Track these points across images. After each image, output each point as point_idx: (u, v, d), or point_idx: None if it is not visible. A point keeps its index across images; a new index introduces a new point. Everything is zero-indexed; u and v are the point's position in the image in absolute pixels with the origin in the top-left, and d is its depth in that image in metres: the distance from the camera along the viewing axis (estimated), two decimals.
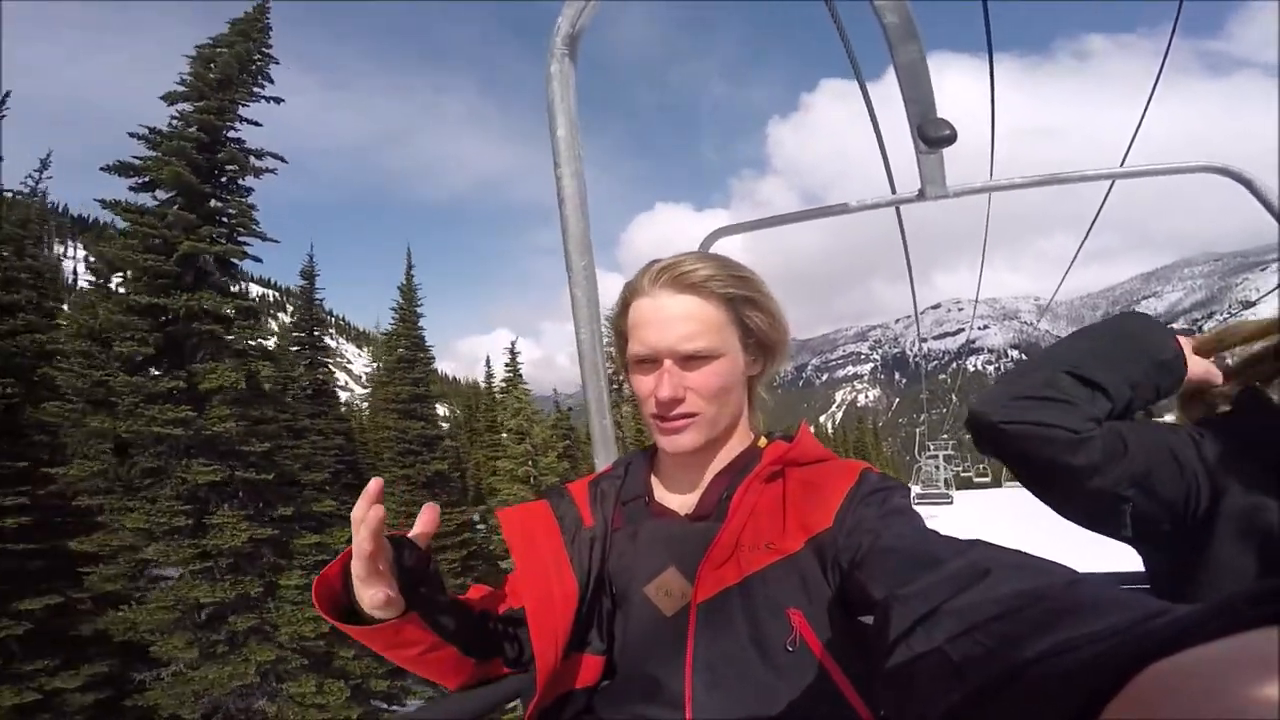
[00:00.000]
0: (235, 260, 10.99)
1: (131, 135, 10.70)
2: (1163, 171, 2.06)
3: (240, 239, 11.09)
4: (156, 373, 10.02)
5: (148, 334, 9.82)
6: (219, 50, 11.32)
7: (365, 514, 0.70)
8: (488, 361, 29.70)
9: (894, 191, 2.15)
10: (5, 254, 10.74)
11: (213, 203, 10.94)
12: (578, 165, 1.19)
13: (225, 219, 11.05)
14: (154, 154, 10.48)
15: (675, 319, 0.83)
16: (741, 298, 0.85)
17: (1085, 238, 5.23)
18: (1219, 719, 0.21)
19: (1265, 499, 0.84)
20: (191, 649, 9.25)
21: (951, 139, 1.32)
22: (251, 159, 11.36)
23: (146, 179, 10.49)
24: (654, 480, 0.96)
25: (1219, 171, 1.92)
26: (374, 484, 0.72)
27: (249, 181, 11.50)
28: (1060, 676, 0.32)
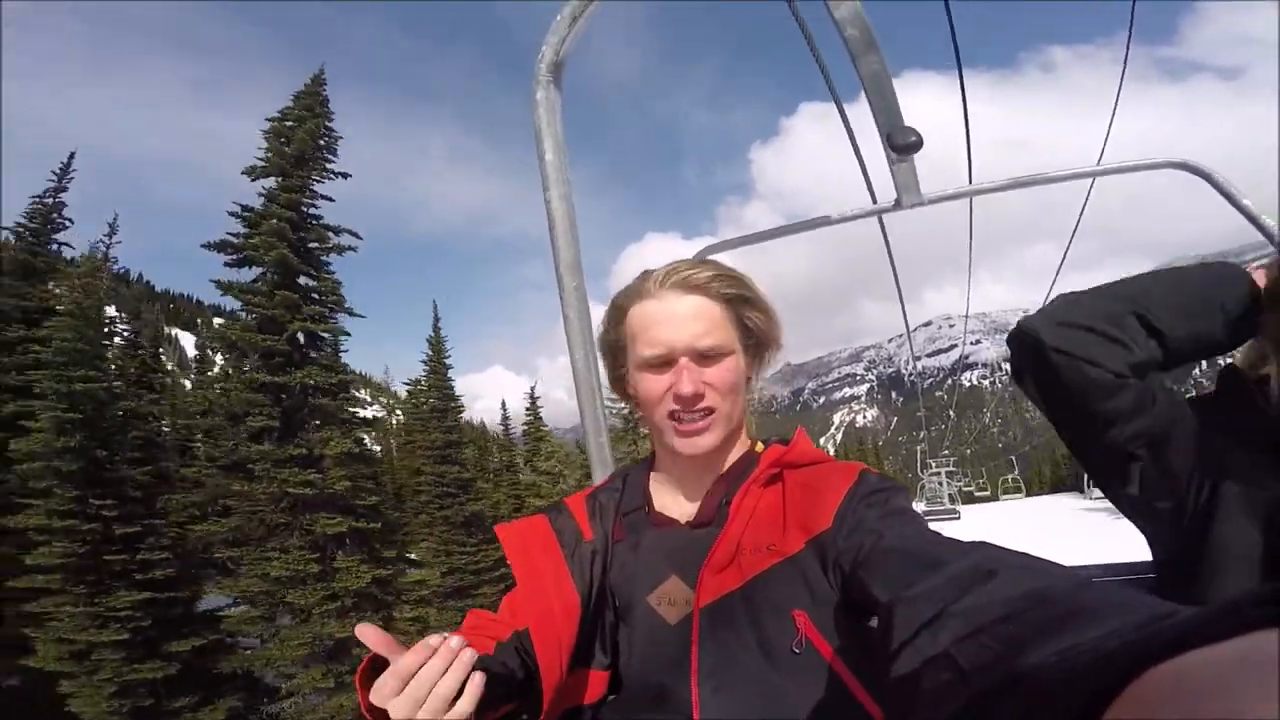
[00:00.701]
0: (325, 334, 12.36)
1: (231, 215, 11.92)
2: (1126, 169, 2.10)
3: (331, 315, 12.58)
4: (259, 445, 11.53)
5: (271, 408, 11.51)
6: (288, 123, 12.72)
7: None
8: (504, 405, 30.40)
9: (875, 203, 2.21)
10: (128, 334, 12.64)
11: (302, 279, 12.33)
12: (566, 188, 1.22)
13: (317, 295, 12.47)
14: (249, 231, 11.91)
15: (687, 318, 0.85)
16: (740, 298, 0.89)
17: (1069, 244, 5.43)
18: None
19: (1266, 473, 0.84)
20: (328, 679, 10.77)
21: (918, 145, 1.35)
22: (331, 235, 12.60)
23: (242, 256, 11.85)
24: (652, 491, 0.96)
25: (1179, 167, 1.95)
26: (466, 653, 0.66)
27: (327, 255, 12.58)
28: (1063, 679, 0.32)
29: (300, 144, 12.49)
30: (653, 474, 0.98)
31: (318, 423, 12.12)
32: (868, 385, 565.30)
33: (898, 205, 1.96)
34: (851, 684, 0.72)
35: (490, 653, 0.81)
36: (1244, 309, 0.90)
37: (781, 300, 0.94)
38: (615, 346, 0.94)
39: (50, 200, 14.58)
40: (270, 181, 12.21)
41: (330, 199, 12.92)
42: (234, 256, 11.99)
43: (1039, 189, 2.17)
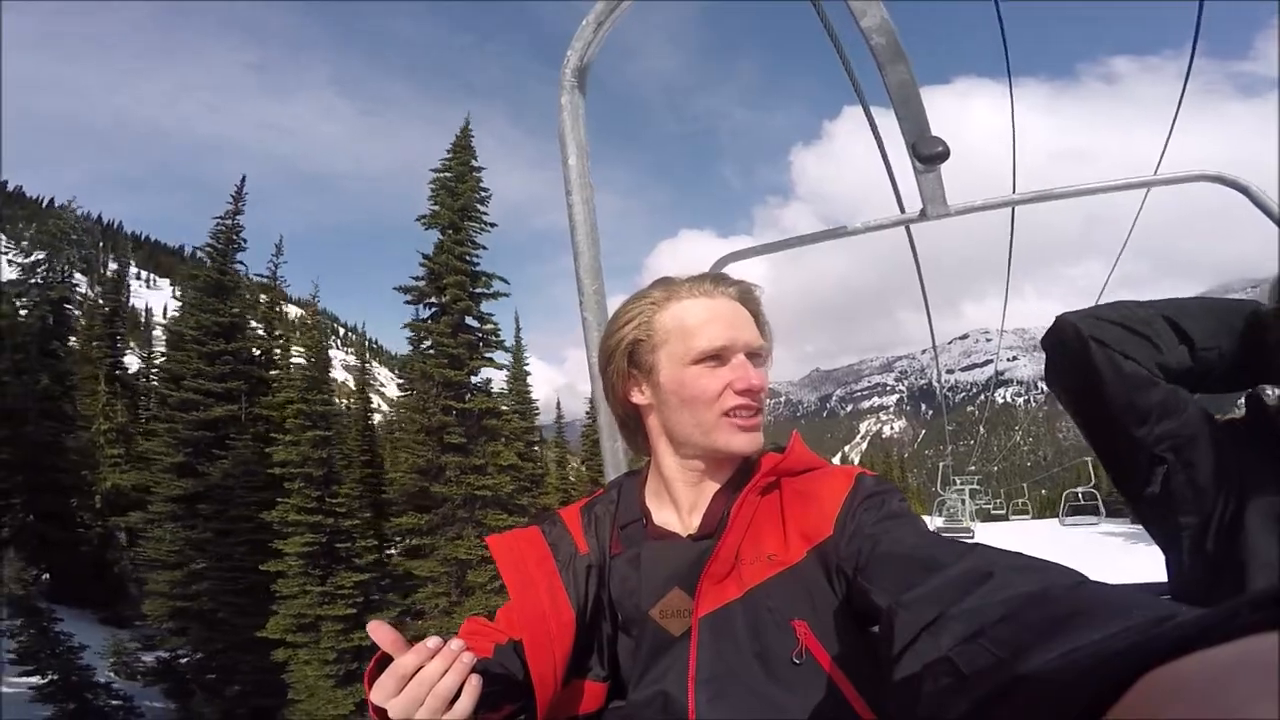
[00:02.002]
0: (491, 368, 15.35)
1: (421, 263, 14.39)
2: (1161, 182, 2.04)
3: (488, 353, 15.21)
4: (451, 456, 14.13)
5: (458, 427, 14.13)
6: (446, 174, 14.95)
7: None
8: (558, 405, 30.96)
9: (902, 212, 2.15)
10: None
11: (468, 319, 14.78)
12: (589, 193, 1.23)
13: (479, 333, 14.96)
14: (431, 279, 14.32)
15: (743, 317, 0.89)
16: (760, 313, 0.93)
17: (1118, 259, 5.36)
18: None
19: None
20: None
21: (944, 156, 1.33)
22: (493, 282, 15.09)
23: (420, 298, 14.53)
24: (649, 503, 0.94)
25: (1216, 180, 1.90)
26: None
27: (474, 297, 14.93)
28: (1064, 682, 0.33)
29: (465, 199, 14.80)
30: (648, 486, 0.96)
31: (486, 438, 14.63)
32: (897, 396, 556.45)
33: (923, 216, 1.93)
34: (851, 694, 0.72)
35: (489, 655, 0.83)
36: (1272, 331, 0.92)
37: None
38: (634, 348, 0.90)
39: (230, 222, 16.61)
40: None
41: (485, 247, 15.10)
42: (412, 297, 14.60)
43: (1091, 203, 2.09)
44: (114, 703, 13.22)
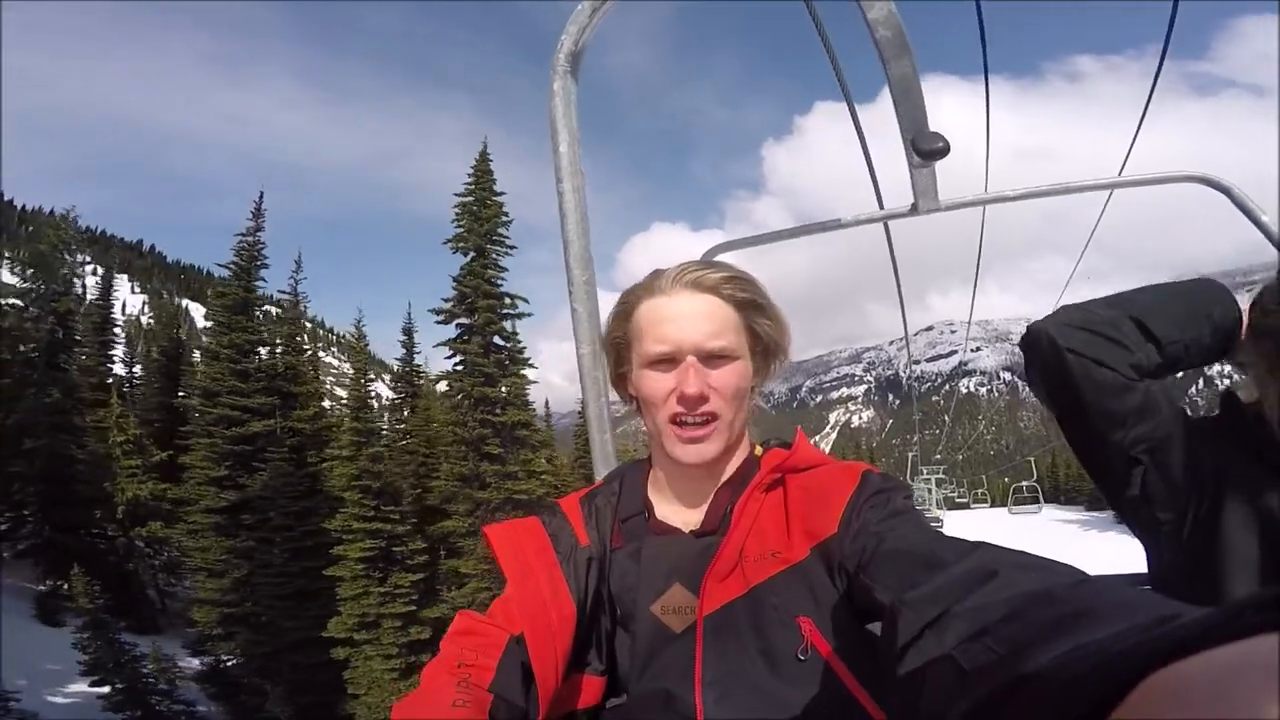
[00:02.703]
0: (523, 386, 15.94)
1: (454, 287, 14.97)
2: (1146, 182, 2.10)
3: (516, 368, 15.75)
4: (490, 465, 14.98)
5: (495, 438, 14.96)
6: (468, 199, 15.42)
7: None
8: (547, 404, 30.32)
9: (882, 207, 2.19)
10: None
11: (495, 339, 15.43)
12: (579, 180, 1.23)
13: (505, 353, 15.56)
14: (464, 302, 15.05)
15: (698, 316, 0.85)
16: (752, 304, 0.89)
17: (1082, 255, 5.70)
18: None
19: (1265, 488, 0.92)
20: None
21: (945, 151, 1.35)
22: (516, 303, 15.60)
23: (450, 318, 15.31)
24: (652, 496, 0.95)
25: (1199, 181, 1.96)
26: None
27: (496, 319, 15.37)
28: (1067, 683, 0.33)
29: (490, 224, 15.43)
30: (651, 478, 0.97)
31: (518, 447, 15.34)
32: (865, 386, 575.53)
33: (914, 210, 1.94)
34: (856, 690, 0.73)
35: (493, 671, 0.78)
36: (1229, 324, 0.99)
37: (784, 298, 0.95)
38: (620, 343, 0.93)
39: (251, 239, 16.83)
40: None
41: (505, 269, 15.51)
42: (443, 317, 15.34)
43: (1050, 201, 2.14)
44: (176, 707, 13.67)
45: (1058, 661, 0.36)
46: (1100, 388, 0.96)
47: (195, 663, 15.49)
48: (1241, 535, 0.93)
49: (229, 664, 15.02)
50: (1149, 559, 1.09)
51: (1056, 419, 1.09)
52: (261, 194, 17.47)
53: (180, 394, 23.06)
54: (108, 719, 12.85)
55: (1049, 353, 1.00)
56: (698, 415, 0.85)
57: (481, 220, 15.63)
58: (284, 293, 17.94)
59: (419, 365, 18.91)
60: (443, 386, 16.16)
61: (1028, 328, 1.08)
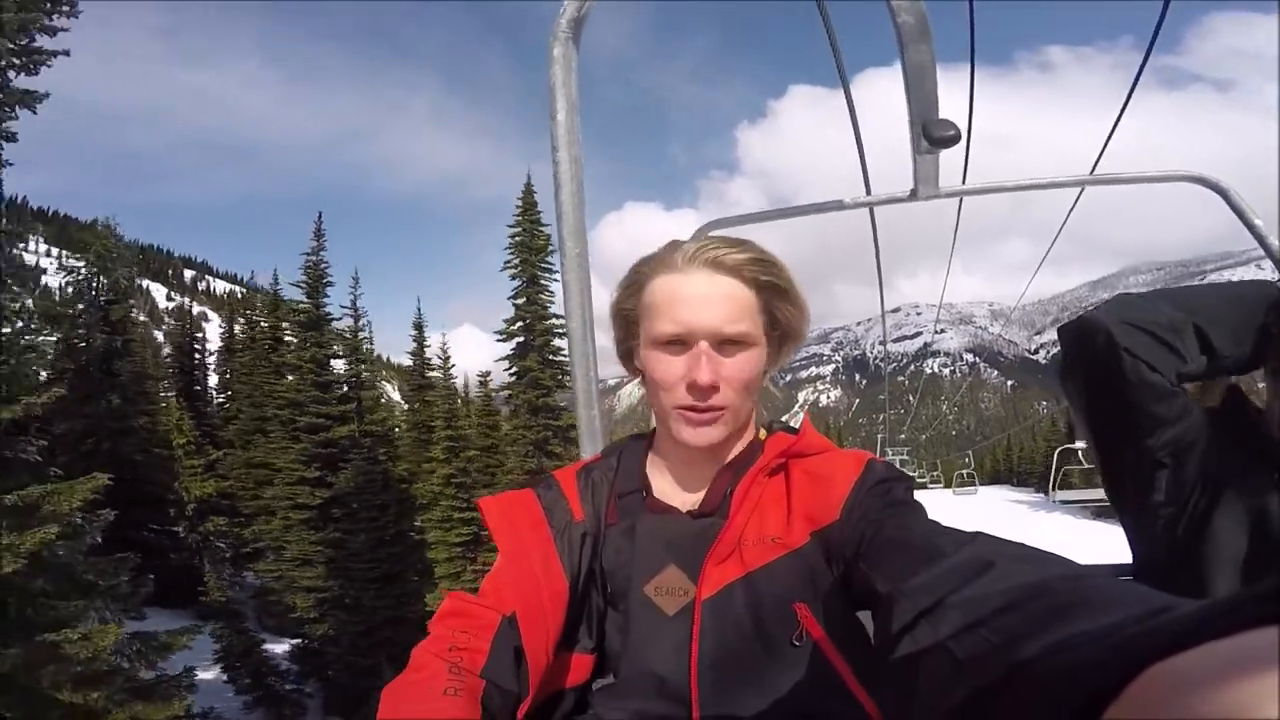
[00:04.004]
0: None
1: (515, 309, 16.81)
2: (1143, 179, 2.12)
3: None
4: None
5: (557, 440, 16.57)
6: (518, 230, 17.14)
7: None
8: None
9: (869, 192, 2.20)
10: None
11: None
12: (576, 150, 1.21)
13: (559, 368, 17.11)
14: (516, 318, 17.06)
15: (716, 299, 0.82)
16: (774, 287, 0.86)
17: (1051, 245, 5.82)
18: (1221, 719, 0.21)
19: (1260, 486, 0.93)
20: None
21: (956, 139, 1.35)
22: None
23: (509, 337, 17.22)
24: (650, 474, 0.94)
25: (1195, 180, 1.98)
26: None
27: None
28: (1062, 675, 0.33)
29: (541, 254, 17.04)
30: (651, 455, 0.96)
31: (573, 446, 16.77)
32: (833, 366, 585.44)
33: (913, 196, 1.95)
34: (849, 677, 0.74)
35: (485, 653, 0.75)
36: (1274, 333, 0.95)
37: None
38: (628, 317, 0.90)
39: (315, 258, 18.22)
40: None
41: (553, 295, 17.08)
42: (503, 336, 17.37)
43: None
44: (287, 688, 15.35)
45: (1052, 651, 0.36)
46: (1149, 390, 0.94)
47: (282, 647, 16.88)
48: (1232, 532, 0.93)
49: (317, 645, 16.32)
50: (1134, 550, 1.10)
51: (1082, 414, 1.08)
52: (320, 215, 18.79)
53: (196, 388, 24.88)
54: (239, 701, 14.61)
55: (1104, 348, 0.96)
56: (706, 406, 0.82)
57: (533, 250, 17.32)
58: (345, 308, 19.49)
59: (482, 377, 21.04)
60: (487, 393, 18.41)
61: (1081, 318, 1.04)
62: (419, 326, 20.39)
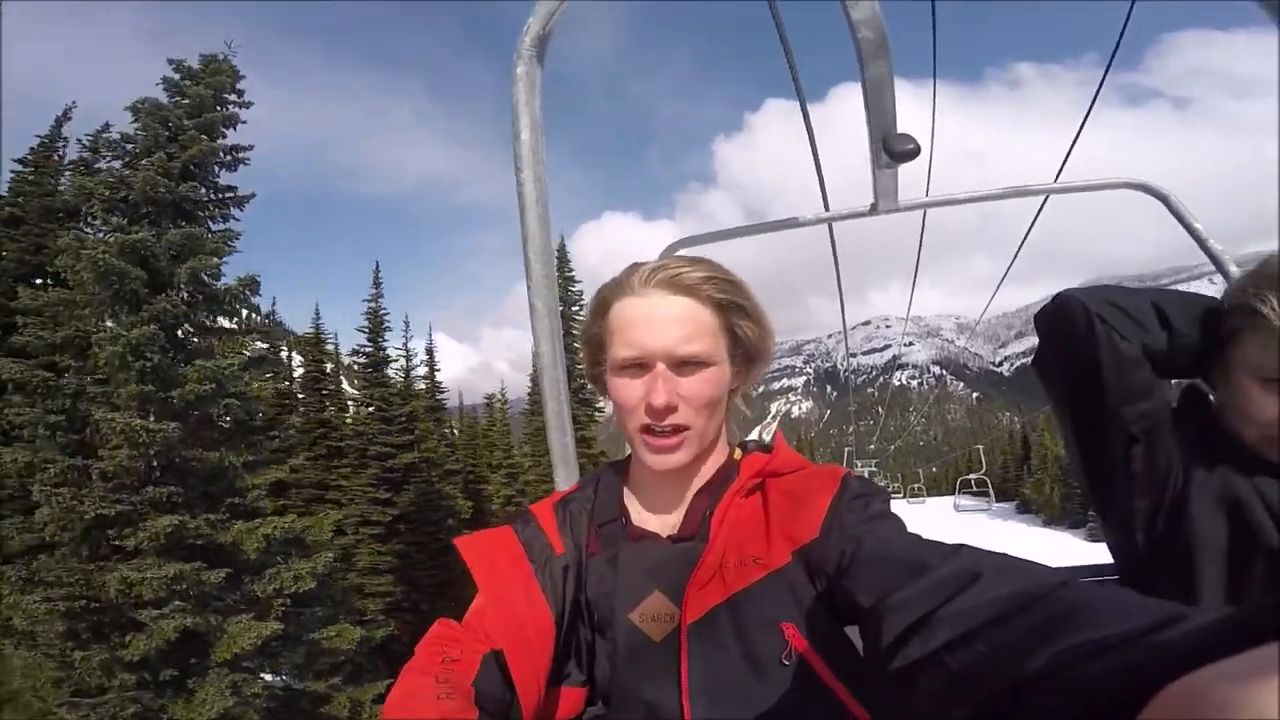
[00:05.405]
0: None
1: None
2: (1087, 188, 2.24)
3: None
4: None
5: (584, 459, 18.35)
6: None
7: None
8: (503, 393, 28.25)
9: (827, 208, 2.23)
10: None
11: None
12: (540, 170, 1.20)
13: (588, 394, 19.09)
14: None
15: (670, 320, 0.82)
16: (734, 305, 0.86)
17: (1013, 260, 6.03)
18: None
19: (1232, 475, 0.99)
20: None
21: (916, 153, 1.38)
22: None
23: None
24: (628, 500, 0.94)
25: (1138, 188, 2.07)
26: None
27: None
28: (1074, 692, 0.33)
29: (572, 307, 18.91)
30: (628, 481, 0.96)
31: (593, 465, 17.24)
32: (805, 378, 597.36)
33: (873, 211, 1.98)
34: (842, 693, 0.74)
35: (476, 667, 0.77)
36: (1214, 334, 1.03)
37: None
38: (596, 341, 0.90)
39: (374, 304, 19.63)
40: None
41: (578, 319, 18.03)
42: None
43: (984, 202, 2.26)
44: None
45: (1058, 665, 0.36)
46: (1122, 359, 1.01)
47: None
48: (1210, 521, 0.98)
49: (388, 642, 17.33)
50: (1116, 551, 1.16)
51: (1059, 393, 1.14)
52: (377, 264, 20.13)
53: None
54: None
55: (1081, 319, 1.03)
56: (666, 425, 0.82)
57: (566, 304, 18.45)
58: (398, 349, 20.68)
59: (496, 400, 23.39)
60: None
61: (1057, 296, 1.11)
62: (430, 352, 22.13)
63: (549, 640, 0.81)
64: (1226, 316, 1.02)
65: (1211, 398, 1.10)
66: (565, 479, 1.26)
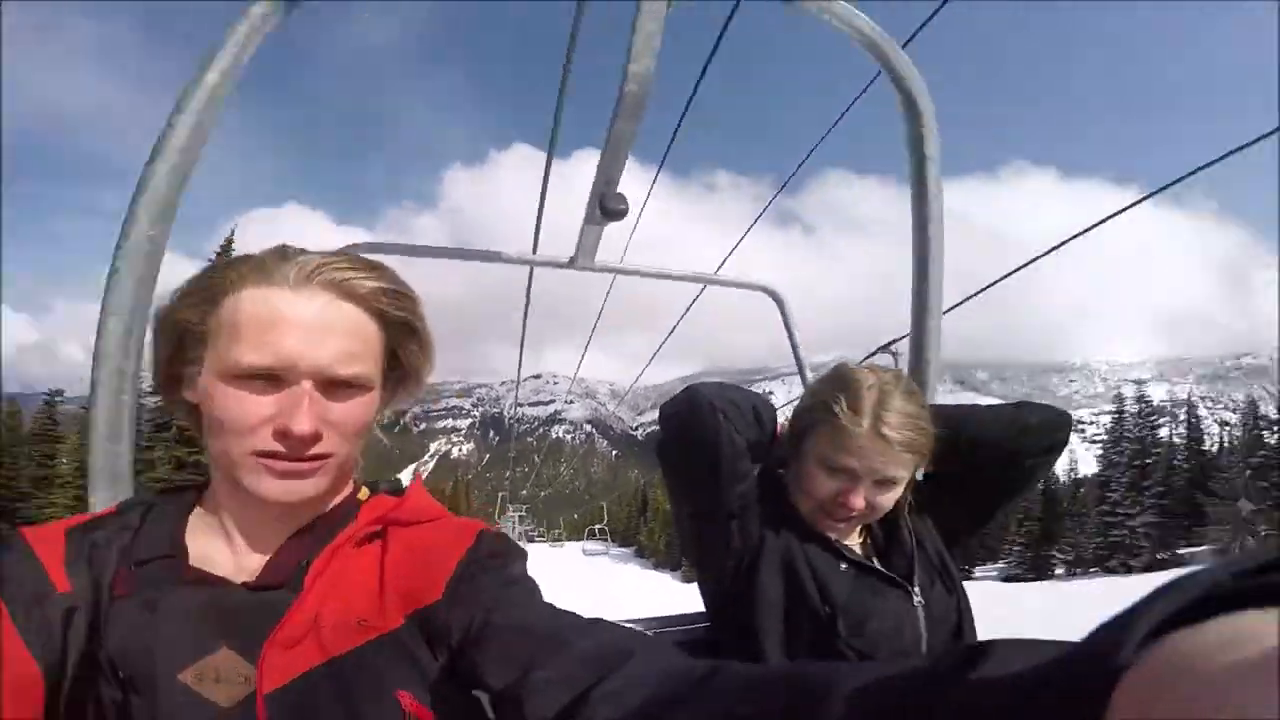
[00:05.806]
0: None
1: None
2: (736, 284, 2.48)
3: None
4: None
5: None
6: None
7: None
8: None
9: (535, 251, 2.33)
10: None
11: None
12: (209, 118, 1.06)
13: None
14: None
15: (330, 331, 0.69)
16: (404, 324, 0.76)
17: (667, 337, 7.41)
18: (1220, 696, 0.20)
19: (792, 541, 1.22)
20: None
21: (624, 214, 1.52)
22: None
23: None
24: (191, 535, 0.76)
25: (768, 292, 2.37)
26: None
27: None
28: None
29: None
30: (197, 513, 0.78)
31: None
32: (471, 420, 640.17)
33: (572, 263, 2.03)
34: None
35: None
36: (772, 431, 1.31)
37: None
38: (187, 332, 0.71)
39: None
40: None
41: None
42: None
43: (647, 284, 2.49)
44: None
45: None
46: (736, 448, 1.20)
47: None
48: (771, 582, 1.20)
49: None
50: (707, 603, 1.37)
51: (678, 474, 1.31)
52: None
53: None
54: None
55: (707, 411, 1.19)
56: (303, 456, 0.69)
57: None
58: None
59: None
60: None
61: (688, 389, 1.27)
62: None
63: (31, 698, 0.63)
64: (805, 412, 1.27)
65: (783, 477, 1.33)
66: (110, 499, 1.00)
